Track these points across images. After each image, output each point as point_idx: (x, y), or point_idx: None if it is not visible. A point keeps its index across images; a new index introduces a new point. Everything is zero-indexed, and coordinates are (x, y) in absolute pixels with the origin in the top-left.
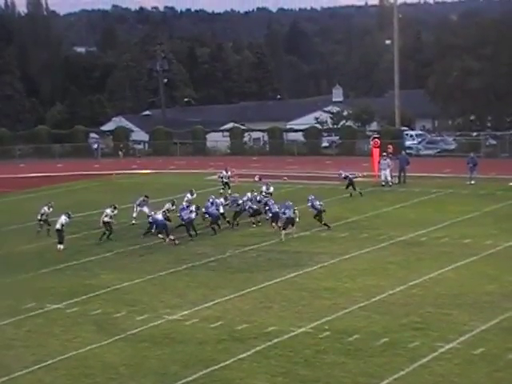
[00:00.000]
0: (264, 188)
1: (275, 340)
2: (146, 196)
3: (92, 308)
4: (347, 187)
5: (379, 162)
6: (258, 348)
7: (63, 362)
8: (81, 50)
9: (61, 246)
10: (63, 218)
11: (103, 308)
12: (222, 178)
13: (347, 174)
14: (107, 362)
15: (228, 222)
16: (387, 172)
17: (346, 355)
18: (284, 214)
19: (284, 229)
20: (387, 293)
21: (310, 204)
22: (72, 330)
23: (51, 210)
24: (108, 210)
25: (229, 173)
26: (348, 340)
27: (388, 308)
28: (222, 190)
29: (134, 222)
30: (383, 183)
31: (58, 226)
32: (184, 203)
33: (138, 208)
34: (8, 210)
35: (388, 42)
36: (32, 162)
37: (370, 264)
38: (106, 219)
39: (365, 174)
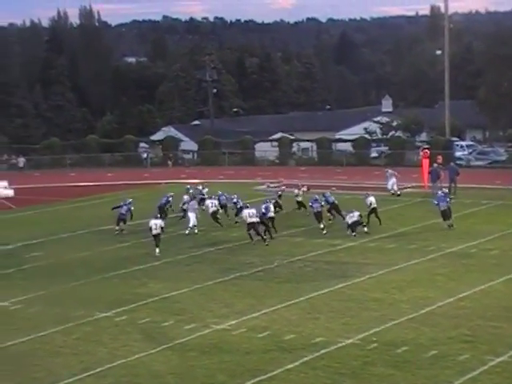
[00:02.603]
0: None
1: (322, 351)
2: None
3: (140, 317)
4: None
5: (429, 173)
6: (305, 359)
7: (111, 370)
8: (131, 60)
9: (158, 250)
10: (160, 222)
11: (151, 317)
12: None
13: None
14: (154, 371)
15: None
16: (391, 181)
17: (394, 367)
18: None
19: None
20: (436, 305)
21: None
22: (120, 339)
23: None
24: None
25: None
26: (396, 352)
27: (437, 320)
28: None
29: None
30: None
31: (158, 231)
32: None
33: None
34: (58, 219)
35: (438, 52)
36: (82, 171)
37: (419, 275)
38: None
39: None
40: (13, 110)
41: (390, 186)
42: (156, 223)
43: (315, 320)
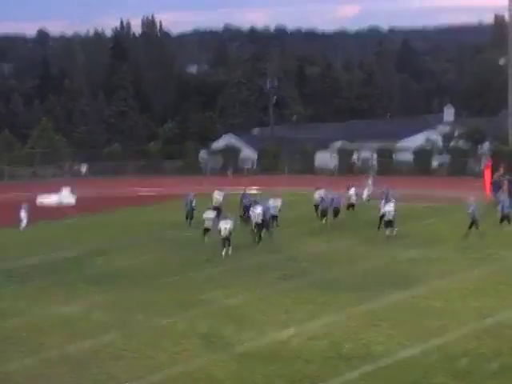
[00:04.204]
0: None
1: (383, 360)
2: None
3: (200, 322)
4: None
5: (491, 183)
6: (365, 367)
7: (171, 375)
8: (193, 68)
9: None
10: (230, 225)
11: (211, 323)
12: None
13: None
14: (214, 376)
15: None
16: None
17: (455, 378)
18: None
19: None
20: (499, 314)
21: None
22: (180, 344)
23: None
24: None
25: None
26: (458, 362)
27: (499, 330)
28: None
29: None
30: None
31: (227, 233)
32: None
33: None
34: (120, 225)
35: (502, 61)
36: (143, 177)
37: (482, 284)
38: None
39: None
40: (77, 117)
41: (365, 196)
42: (226, 227)
43: (376, 328)
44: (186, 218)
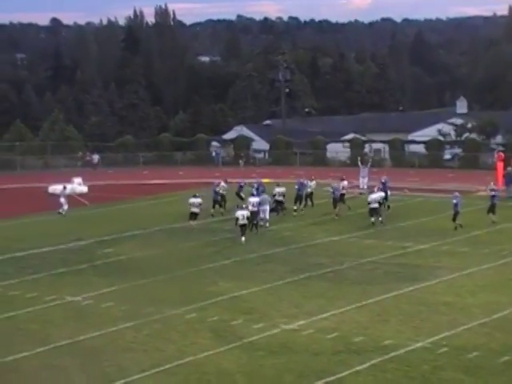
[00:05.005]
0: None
1: (392, 354)
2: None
3: (209, 315)
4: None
5: (503, 176)
6: (374, 361)
7: (180, 367)
8: (205, 59)
9: (243, 239)
10: (247, 212)
11: (220, 315)
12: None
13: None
14: (223, 369)
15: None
16: (365, 180)
17: (465, 372)
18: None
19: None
20: (509, 310)
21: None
22: (189, 336)
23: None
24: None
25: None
26: (467, 357)
27: (509, 325)
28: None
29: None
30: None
31: (244, 221)
32: None
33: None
34: (130, 216)
35: None
36: (155, 168)
37: (491, 280)
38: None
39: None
40: (88, 108)
41: (361, 185)
42: (243, 214)
43: (385, 322)
44: (213, 207)
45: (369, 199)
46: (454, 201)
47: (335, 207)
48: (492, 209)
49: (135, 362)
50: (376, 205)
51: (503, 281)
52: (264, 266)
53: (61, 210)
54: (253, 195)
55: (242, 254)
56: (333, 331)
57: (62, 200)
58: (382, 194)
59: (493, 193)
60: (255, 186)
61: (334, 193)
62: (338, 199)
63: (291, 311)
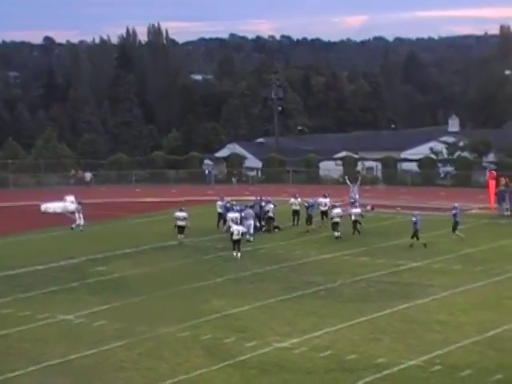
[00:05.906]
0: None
1: (385, 372)
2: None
3: (202, 333)
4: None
5: (495, 194)
6: (367, 379)
7: None
8: (198, 77)
9: (239, 254)
10: (242, 228)
11: (213, 333)
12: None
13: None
14: None
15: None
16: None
17: None
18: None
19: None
20: (502, 328)
21: None
22: (182, 354)
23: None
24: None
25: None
26: (460, 375)
27: (503, 344)
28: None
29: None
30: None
31: (239, 236)
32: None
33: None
34: (123, 234)
35: (508, 72)
36: (147, 186)
37: (484, 298)
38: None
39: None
40: (81, 126)
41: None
42: (238, 229)
43: (378, 341)
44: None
45: (332, 214)
46: (453, 212)
47: (308, 223)
48: (455, 226)
49: (127, 381)
50: (338, 219)
51: (496, 299)
52: (257, 283)
53: (80, 228)
54: (232, 210)
55: (234, 271)
56: (326, 349)
57: (77, 215)
58: (340, 210)
59: (453, 211)
60: (238, 207)
61: (308, 208)
62: (319, 215)
63: (284, 329)
